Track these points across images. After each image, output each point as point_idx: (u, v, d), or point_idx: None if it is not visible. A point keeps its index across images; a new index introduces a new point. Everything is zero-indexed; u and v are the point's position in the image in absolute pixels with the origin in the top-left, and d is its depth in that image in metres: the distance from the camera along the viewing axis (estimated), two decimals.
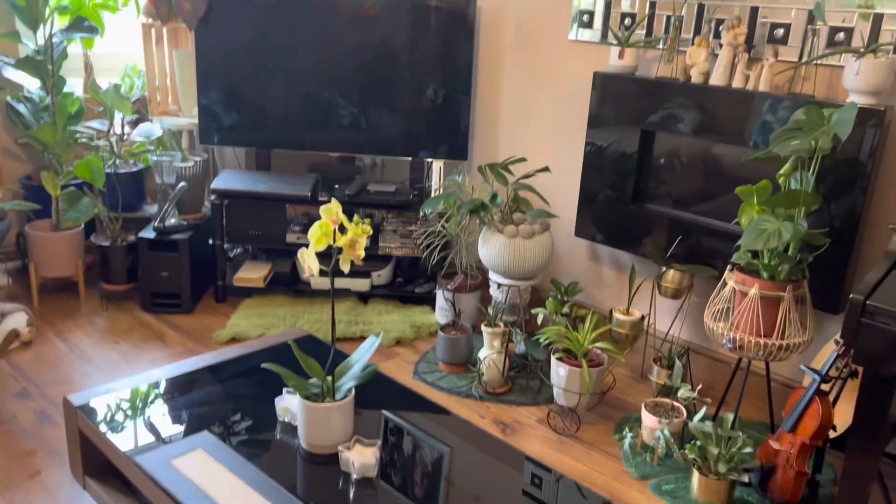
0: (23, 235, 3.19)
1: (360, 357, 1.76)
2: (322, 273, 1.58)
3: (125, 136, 3.41)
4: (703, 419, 2.13)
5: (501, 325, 2.60)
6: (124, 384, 1.95)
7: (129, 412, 1.83)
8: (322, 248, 1.57)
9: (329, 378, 1.71)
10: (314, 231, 1.56)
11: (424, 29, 3.14)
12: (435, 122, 3.23)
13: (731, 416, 2.11)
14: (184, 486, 1.57)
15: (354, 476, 1.61)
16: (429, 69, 3.17)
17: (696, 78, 2.46)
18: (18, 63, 3.02)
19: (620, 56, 2.63)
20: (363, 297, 3.29)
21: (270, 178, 3.26)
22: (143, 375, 2.00)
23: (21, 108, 3.15)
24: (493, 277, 2.77)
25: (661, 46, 2.62)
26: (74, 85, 3.33)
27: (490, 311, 2.64)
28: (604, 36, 2.80)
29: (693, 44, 2.49)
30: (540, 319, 2.63)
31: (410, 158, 3.33)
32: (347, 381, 1.71)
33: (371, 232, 1.59)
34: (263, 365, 1.73)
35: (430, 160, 3.32)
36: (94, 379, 2.60)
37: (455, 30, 3.13)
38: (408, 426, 1.85)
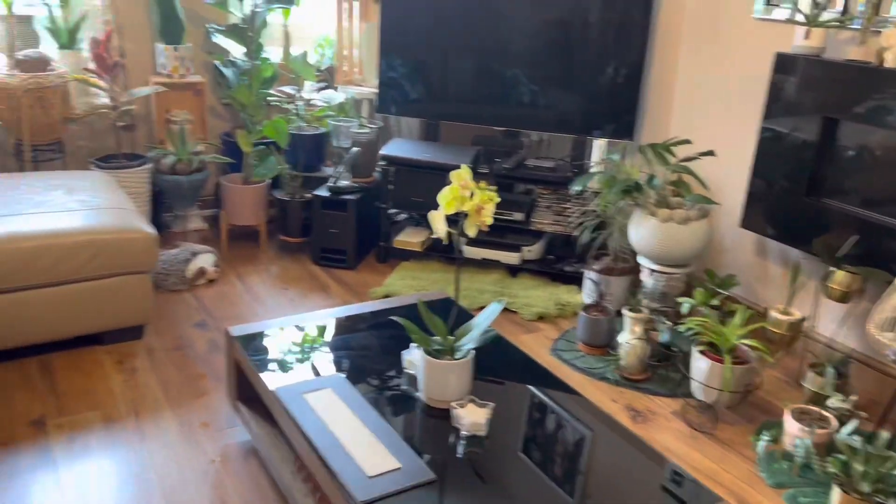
0: (219, 185, 3.58)
1: (482, 321, 1.81)
2: (449, 236, 1.65)
3: (311, 101, 3.70)
4: (853, 433, 1.95)
5: (645, 311, 2.53)
6: (277, 323, 2.16)
7: (276, 348, 2.03)
8: (451, 211, 1.63)
9: (451, 338, 1.78)
10: (444, 195, 1.62)
11: (606, 6, 3.09)
12: (606, 101, 3.17)
13: (887, 435, 1.91)
14: (310, 418, 1.72)
15: (463, 432, 1.68)
16: (606, 47, 3.12)
17: (890, 62, 2.21)
18: (226, 30, 3.37)
19: (806, 36, 2.43)
20: (512, 271, 3.33)
21: (436, 149, 3.39)
22: (294, 317, 2.19)
23: (226, 71, 3.51)
24: (643, 262, 2.70)
25: (853, 26, 2.38)
26: (273, 52, 3.66)
27: (638, 296, 2.57)
28: (792, 14, 2.59)
29: (891, 25, 2.23)
30: (686, 309, 2.52)
31: (576, 136, 3.30)
32: (467, 343, 1.77)
33: (498, 199, 1.63)
34: (393, 317, 1.84)
35: (592, 138, 3.27)
36: (261, 318, 2.88)
37: (634, 6, 3.04)
38: (528, 395, 1.87)
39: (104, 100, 3.32)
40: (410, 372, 1.92)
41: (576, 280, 3.22)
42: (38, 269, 2.33)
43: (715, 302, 2.49)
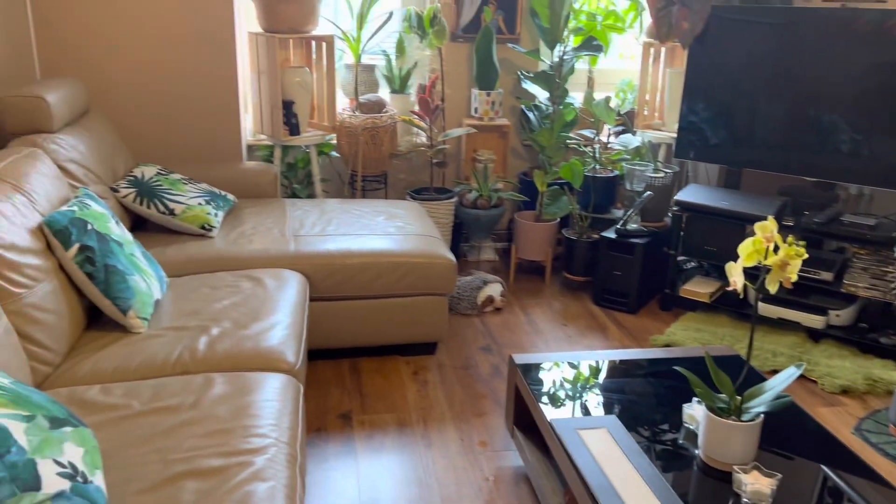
0: (513, 221, 3.79)
1: (776, 385, 1.69)
2: (746, 290, 1.58)
3: (608, 145, 3.76)
4: None
5: None
6: (557, 357, 2.23)
7: (553, 380, 2.10)
8: (751, 264, 1.57)
9: (738, 397, 1.69)
10: (745, 246, 1.56)
11: None
12: None
13: None
14: (584, 455, 1.75)
15: (744, 500, 1.58)
16: None
17: None
18: (535, 77, 3.59)
19: None
20: (814, 335, 3.03)
21: (736, 197, 3.24)
22: (573, 354, 2.25)
23: (530, 114, 3.73)
24: None
25: None
26: (575, 97, 3.81)
27: None
28: None
29: None
30: None
31: None
32: (757, 405, 1.67)
33: (805, 256, 1.53)
34: (676, 367, 1.80)
35: None
36: (539, 349, 2.99)
37: None
38: (821, 475, 1.71)
39: (423, 139, 3.73)
40: (690, 427, 1.86)
41: (893, 354, 2.83)
42: (360, 283, 2.69)
43: None
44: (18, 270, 1.83)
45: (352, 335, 2.76)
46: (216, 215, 2.81)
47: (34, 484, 1.18)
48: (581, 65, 3.88)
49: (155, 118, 3.30)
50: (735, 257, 3.20)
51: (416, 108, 3.57)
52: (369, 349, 2.90)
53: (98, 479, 1.32)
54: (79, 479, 1.26)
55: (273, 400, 1.76)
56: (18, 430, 1.24)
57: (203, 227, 2.75)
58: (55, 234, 1.99)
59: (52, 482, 1.21)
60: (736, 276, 1.58)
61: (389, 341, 2.81)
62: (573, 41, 3.68)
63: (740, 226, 3.12)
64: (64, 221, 2.01)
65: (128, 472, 1.46)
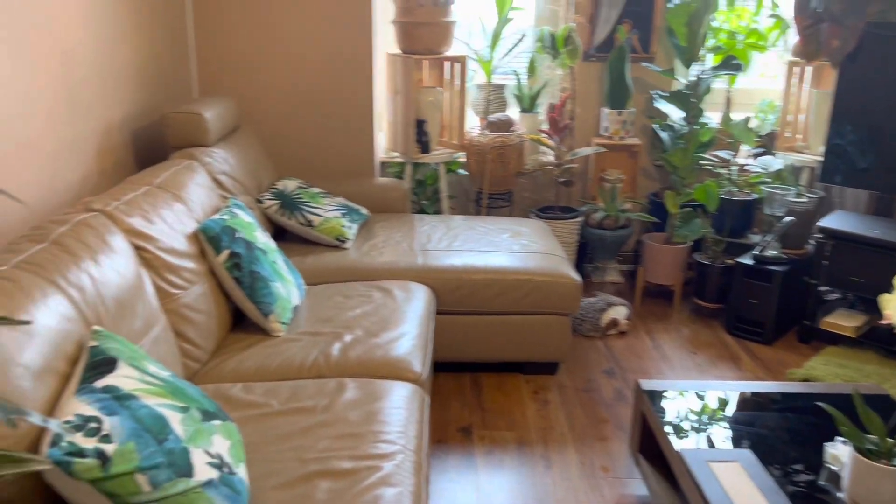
0: (640, 243, 3.71)
1: None
2: None
3: (745, 167, 3.61)
4: None
5: None
6: (686, 385, 2.16)
7: (685, 409, 2.03)
8: None
9: (890, 440, 1.57)
10: None
11: None
12: None
13: None
14: (715, 489, 1.68)
15: None
16: None
17: None
18: (669, 96, 3.51)
19: None
20: None
21: (888, 225, 3.01)
22: (703, 382, 2.17)
23: (663, 134, 3.64)
24: None
25: None
26: (711, 117, 3.69)
27: None
28: None
29: None
30: None
31: None
32: None
33: None
34: (819, 403, 1.70)
35: None
36: (666, 376, 2.89)
37: None
38: None
39: (550, 157, 3.73)
40: (833, 468, 1.74)
41: None
42: (483, 298, 2.72)
43: None
44: (176, 273, 1.99)
45: (473, 350, 2.79)
46: (350, 228, 2.93)
47: (187, 471, 1.28)
48: (719, 84, 3.76)
49: (297, 134, 3.50)
50: (885, 289, 2.98)
51: (545, 127, 3.57)
52: (490, 365, 2.92)
53: (241, 472, 1.41)
54: (225, 469, 1.35)
55: (400, 408, 1.81)
56: (175, 420, 1.34)
57: (338, 239, 2.87)
58: (208, 240, 2.15)
59: (203, 471, 1.30)
60: (891, 309, 1.47)
61: (510, 358, 2.82)
62: (711, 60, 3.57)
63: (892, 256, 2.90)
64: (216, 229, 2.17)
65: (266, 468, 1.54)
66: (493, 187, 3.62)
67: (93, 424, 1.22)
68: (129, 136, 2.65)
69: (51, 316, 1.39)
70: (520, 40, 3.54)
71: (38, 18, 2.03)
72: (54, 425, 1.04)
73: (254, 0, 3.30)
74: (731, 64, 3.42)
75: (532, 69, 3.70)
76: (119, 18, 2.56)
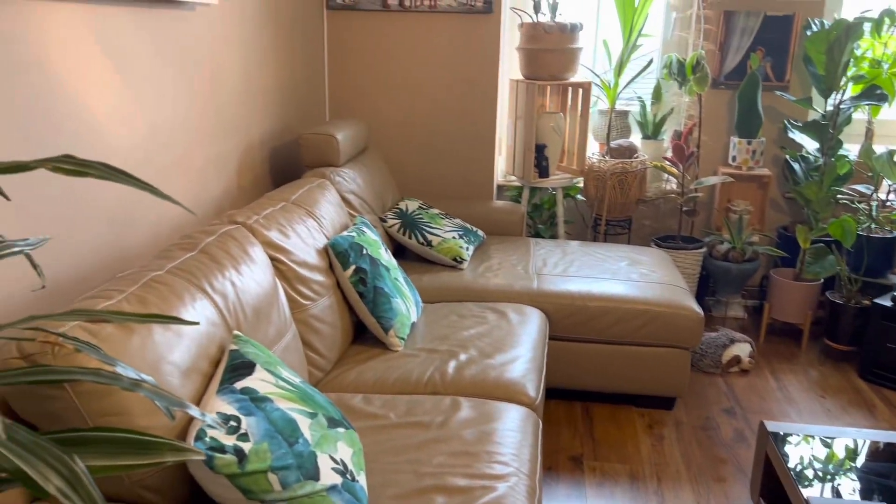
0: (766, 278, 3.55)
1: None
2: None
3: (887, 203, 3.39)
4: None
5: None
6: (819, 431, 2.04)
7: (814, 455, 1.92)
8: None
9: None
10: None
11: None
12: None
13: None
14: None
15: None
16: None
17: None
18: (804, 126, 3.35)
19: None
20: None
21: None
22: (840, 429, 2.04)
23: (795, 166, 3.48)
24: None
25: None
26: (850, 149, 3.49)
27: None
28: None
29: None
30: None
31: None
32: None
33: None
34: None
35: None
36: (791, 419, 2.74)
37: None
38: None
39: (672, 185, 3.64)
40: None
41: None
42: (599, 326, 2.69)
43: None
44: (307, 285, 2.09)
45: (586, 378, 2.75)
46: (468, 249, 2.98)
47: (314, 474, 1.34)
48: (859, 115, 3.56)
49: (419, 156, 3.60)
50: None
51: (669, 154, 3.50)
52: (602, 395, 2.87)
53: (362, 480, 1.46)
54: (348, 476, 1.41)
55: (514, 430, 1.82)
56: (304, 425, 1.41)
57: (455, 259, 2.92)
58: (337, 255, 2.25)
59: (328, 475, 1.36)
60: None
61: (624, 390, 2.76)
62: (851, 89, 3.39)
63: None
64: (345, 245, 2.27)
65: (384, 478, 1.59)
66: (611, 214, 3.57)
67: (232, 423, 1.30)
68: (266, 153, 2.82)
69: (198, 319, 1.50)
70: (646, 66, 3.50)
71: (197, 45, 2.21)
72: (210, 420, 1.12)
73: (385, 30, 3.45)
74: (875, 94, 3.23)
75: (657, 95, 3.65)
76: (264, 43, 2.74)
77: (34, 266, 1.03)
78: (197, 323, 0.99)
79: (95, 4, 1.71)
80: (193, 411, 0.87)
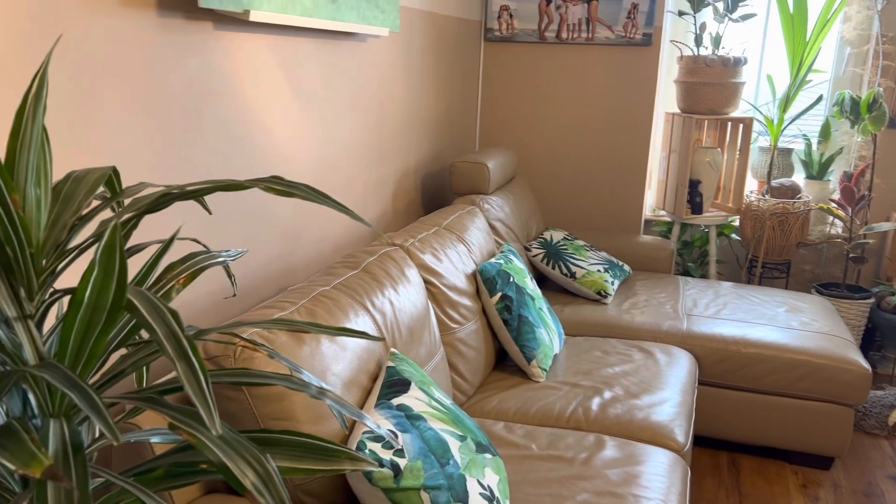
0: None
1: None
2: None
3: None
4: None
5: None
6: None
7: None
8: None
9: None
10: None
11: None
12: None
13: None
14: None
15: None
16: None
17: None
18: None
19: None
20: None
21: None
22: None
23: None
24: None
25: None
26: None
27: None
28: None
29: None
30: None
31: None
32: None
33: None
34: None
35: None
36: None
37: None
38: None
39: (839, 230, 3.41)
40: None
41: None
42: (752, 375, 2.54)
43: None
44: (456, 308, 2.13)
45: (735, 428, 2.61)
46: (612, 283, 2.92)
47: (464, 497, 1.35)
48: None
49: (566, 187, 3.59)
50: None
51: (836, 196, 3.28)
52: (751, 447, 2.71)
53: None
54: (495, 503, 1.41)
55: (661, 475, 1.75)
56: (455, 447, 1.44)
57: (599, 293, 2.88)
58: (485, 281, 2.28)
59: (476, 500, 1.37)
60: None
61: (777, 444, 2.59)
62: None
63: None
64: (493, 272, 2.30)
65: None
66: (769, 256, 3.39)
67: (390, 438, 1.35)
68: (420, 180, 2.92)
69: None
70: (815, 103, 3.32)
71: (368, 76, 2.33)
72: (384, 431, 1.17)
73: (540, 62, 3.48)
74: None
75: (825, 134, 3.44)
76: (427, 74, 2.85)
77: (229, 276, 1.12)
78: (383, 338, 1.04)
79: (281, 36, 1.85)
80: (369, 422, 0.91)
